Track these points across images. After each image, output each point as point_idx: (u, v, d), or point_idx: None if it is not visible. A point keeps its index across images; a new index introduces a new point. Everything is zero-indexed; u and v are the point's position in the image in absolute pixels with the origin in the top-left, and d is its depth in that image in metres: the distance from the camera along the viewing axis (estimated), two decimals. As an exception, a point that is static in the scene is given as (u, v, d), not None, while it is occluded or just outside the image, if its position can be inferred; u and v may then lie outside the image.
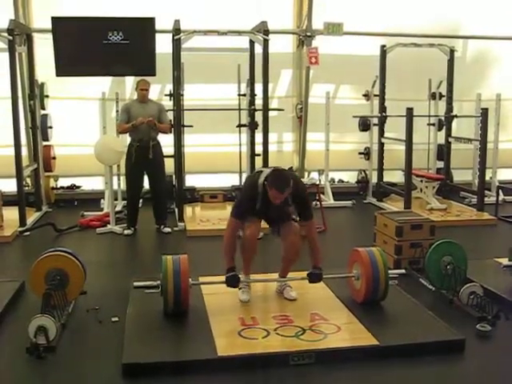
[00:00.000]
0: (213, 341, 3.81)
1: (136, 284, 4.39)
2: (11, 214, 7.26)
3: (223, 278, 4.40)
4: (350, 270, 4.67)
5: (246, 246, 4.52)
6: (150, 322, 4.19)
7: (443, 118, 9.21)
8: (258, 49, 7.68)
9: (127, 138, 7.22)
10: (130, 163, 6.98)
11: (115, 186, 8.06)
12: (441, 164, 9.42)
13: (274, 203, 4.28)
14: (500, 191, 8.45)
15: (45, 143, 8.45)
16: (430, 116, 9.30)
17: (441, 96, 9.27)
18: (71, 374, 3.60)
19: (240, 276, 4.48)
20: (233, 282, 4.37)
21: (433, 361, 3.72)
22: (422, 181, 8.42)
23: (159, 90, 8.92)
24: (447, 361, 3.75)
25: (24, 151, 8.04)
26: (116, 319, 4.31)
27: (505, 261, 5.04)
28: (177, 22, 7.41)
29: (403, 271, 4.84)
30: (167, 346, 3.80)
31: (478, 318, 4.22)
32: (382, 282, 4.39)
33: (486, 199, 8.19)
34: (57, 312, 4.09)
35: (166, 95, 8.17)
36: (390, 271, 4.50)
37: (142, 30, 7.75)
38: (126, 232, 7.06)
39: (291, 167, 9.01)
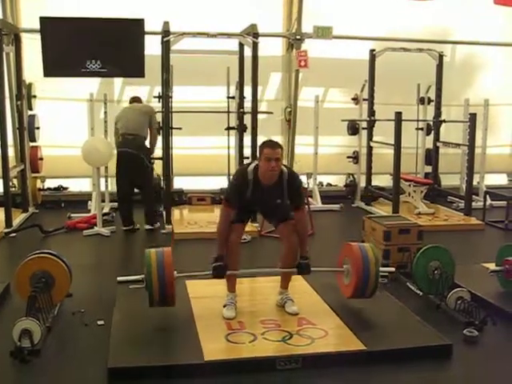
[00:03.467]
0: (200, 345, 3.78)
1: (120, 279, 4.35)
2: (-3, 215, 7.20)
3: (211, 281, 4.37)
4: (340, 265, 4.62)
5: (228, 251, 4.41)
6: (136, 326, 4.15)
7: (432, 123, 9.25)
8: (248, 51, 7.67)
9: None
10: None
11: (103, 188, 8.02)
12: (429, 168, 9.45)
13: (267, 174, 4.14)
14: (487, 196, 8.48)
15: (32, 144, 8.39)
16: (418, 120, 9.33)
17: (429, 101, 9.31)
18: (56, 378, 3.56)
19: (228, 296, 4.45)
20: (219, 271, 4.27)
21: (420, 366, 3.72)
22: (410, 185, 8.44)
23: (148, 91, 8.90)
24: (434, 366, 3.75)
25: (11, 152, 7.98)
26: (102, 323, 4.27)
27: (492, 266, 5.04)
28: (166, 23, 7.39)
29: (392, 269, 4.85)
30: (153, 350, 3.76)
31: (466, 323, 4.22)
32: (372, 278, 4.35)
33: (473, 204, 8.21)
34: (42, 315, 4.05)
35: (154, 97, 8.15)
36: (381, 269, 4.45)
37: (131, 31, 7.71)
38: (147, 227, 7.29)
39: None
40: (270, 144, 4.20)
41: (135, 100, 7.57)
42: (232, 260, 4.41)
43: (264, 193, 4.25)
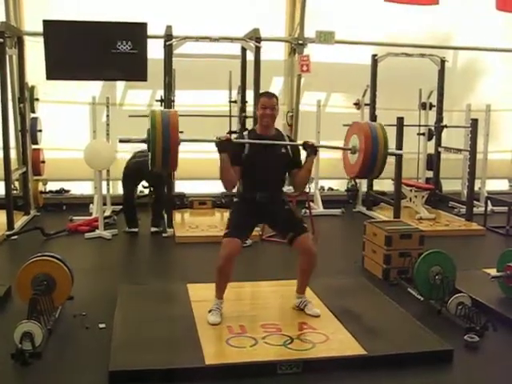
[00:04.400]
0: (201, 349, 3.78)
1: (121, 137, 4.26)
2: (-1, 217, 7.20)
3: (212, 285, 4.37)
4: (347, 143, 4.48)
5: (220, 267, 4.25)
6: (137, 329, 4.15)
7: (433, 128, 9.25)
8: (250, 56, 7.69)
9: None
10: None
11: (104, 191, 8.03)
12: (430, 174, 9.46)
13: (263, 120, 4.27)
14: (488, 201, 8.48)
15: (34, 147, 8.40)
16: (420, 126, 9.33)
17: (431, 106, 9.30)
18: (57, 380, 3.56)
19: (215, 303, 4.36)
20: (224, 144, 4.18)
21: (421, 371, 3.72)
22: (411, 190, 8.44)
23: (150, 95, 8.92)
24: (435, 371, 3.75)
25: (13, 154, 7.97)
26: (103, 326, 4.27)
27: (493, 271, 5.05)
28: (169, 27, 7.41)
29: (401, 152, 4.75)
30: (154, 353, 3.76)
31: (466, 329, 4.22)
32: (380, 158, 4.22)
33: (474, 209, 8.21)
34: (43, 317, 4.06)
35: (156, 101, 8.16)
36: (389, 150, 4.33)
37: (134, 34, 7.73)
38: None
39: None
40: (267, 94, 4.41)
41: None
42: (220, 280, 4.33)
43: (265, 146, 4.27)
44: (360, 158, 4.27)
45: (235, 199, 4.49)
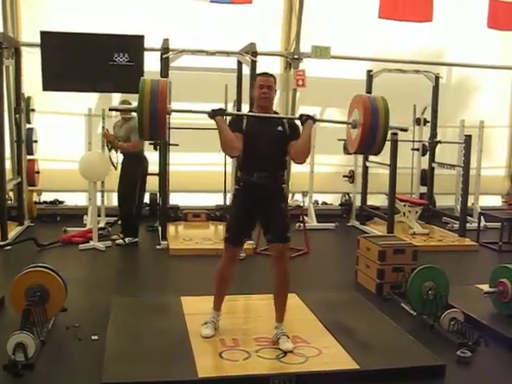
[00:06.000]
0: (194, 362, 3.78)
1: (111, 107, 4.27)
2: (-8, 227, 7.18)
3: (206, 298, 4.37)
4: (349, 118, 4.41)
5: (220, 269, 4.29)
6: (130, 342, 4.15)
7: (427, 144, 9.30)
8: (246, 70, 7.73)
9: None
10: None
11: (98, 203, 8.02)
12: (424, 189, 9.49)
13: (261, 100, 4.22)
14: (482, 217, 8.52)
15: (29, 157, 8.41)
16: (414, 141, 9.37)
17: (425, 122, 9.35)
18: (49, 392, 3.56)
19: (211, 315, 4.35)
20: (218, 110, 4.21)
21: (413, 386, 3.73)
22: (405, 205, 8.47)
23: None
24: (427, 386, 3.76)
25: (8, 164, 7.98)
26: (96, 338, 4.26)
27: (486, 287, 5.06)
28: (166, 40, 7.45)
29: (406, 127, 4.68)
30: (147, 365, 3.75)
31: (459, 344, 4.23)
32: (381, 131, 4.13)
33: (467, 225, 8.25)
34: (36, 329, 4.04)
35: (152, 113, 8.16)
36: (393, 124, 4.27)
37: (130, 47, 7.77)
38: None
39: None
40: (264, 73, 4.35)
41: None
42: (218, 291, 4.35)
43: (262, 121, 4.21)
44: (359, 130, 4.19)
45: (235, 186, 4.38)
